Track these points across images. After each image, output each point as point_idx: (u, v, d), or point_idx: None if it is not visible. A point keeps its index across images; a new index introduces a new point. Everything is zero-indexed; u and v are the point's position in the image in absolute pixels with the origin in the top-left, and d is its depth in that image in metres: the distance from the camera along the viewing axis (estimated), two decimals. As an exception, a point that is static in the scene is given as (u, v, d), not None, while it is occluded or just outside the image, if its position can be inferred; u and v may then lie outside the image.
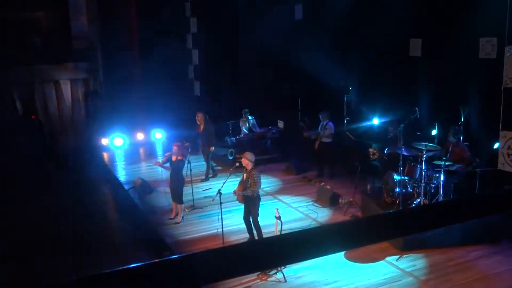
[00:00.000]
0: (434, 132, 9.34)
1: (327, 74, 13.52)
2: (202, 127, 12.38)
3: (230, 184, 9.28)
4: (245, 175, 8.16)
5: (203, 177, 12.41)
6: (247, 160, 8.06)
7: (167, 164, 9.72)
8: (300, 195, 10.98)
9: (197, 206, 10.35)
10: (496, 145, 8.92)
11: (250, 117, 14.33)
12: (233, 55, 16.20)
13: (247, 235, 8.46)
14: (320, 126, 12.21)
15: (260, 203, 8.23)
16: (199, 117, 12.39)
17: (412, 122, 9.20)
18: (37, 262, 8.24)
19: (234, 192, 8.17)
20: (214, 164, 12.81)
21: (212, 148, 12.38)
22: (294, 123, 14.66)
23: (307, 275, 7.26)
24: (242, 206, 8.54)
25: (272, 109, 15.31)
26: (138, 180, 11.84)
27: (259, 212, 8.14)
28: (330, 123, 12.09)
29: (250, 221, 8.16)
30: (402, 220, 1.48)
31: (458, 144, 8.78)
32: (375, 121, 12.26)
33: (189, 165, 10.44)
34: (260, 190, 8.27)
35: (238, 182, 8.44)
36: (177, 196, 9.63)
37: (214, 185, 11.22)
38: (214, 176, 12.53)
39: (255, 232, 8.16)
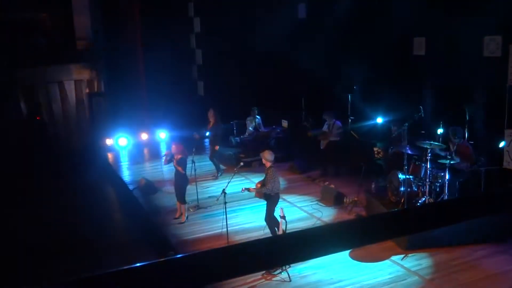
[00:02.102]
0: (440, 131, 9.30)
1: (331, 73, 13.50)
2: (211, 124, 12.39)
3: (234, 184, 9.29)
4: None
5: (215, 176, 12.36)
6: (265, 159, 8.10)
7: (169, 164, 9.70)
8: (304, 194, 10.97)
9: (202, 205, 10.36)
10: (501, 144, 8.89)
11: (256, 116, 14.33)
12: (237, 55, 16.21)
13: (251, 235, 8.47)
14: (326, 126, 12.17)
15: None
16: (210, 114, 12.39)
17: (417, 121, 9.18)
18: (41, 262, 8.27)
19: (251, 189, 8.17)
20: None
21: (217, 147, 12.36)
22: (298, 122, 14.66)
23: (311, 275, 7.26)
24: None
25: (276, 108, 15.31)
26: (142, 180, 11.86)
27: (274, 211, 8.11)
28: (338, 122, 12.07)
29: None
30: (407, 219, 1.47)
31: (462, 143, 8.74)
32: (379, 120, 12.24)
33: (193, 164, 10.45)
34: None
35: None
36: (181, 196, 9.63)
37: (219, 185, 11.21)
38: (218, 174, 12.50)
39: (276, 228, 8.00)
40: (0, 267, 8.01)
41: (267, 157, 8.02)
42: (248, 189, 8.21)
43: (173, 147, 9.67)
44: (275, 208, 8.00)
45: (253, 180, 10.63)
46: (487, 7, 8.99)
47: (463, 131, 8.91)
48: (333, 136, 12.03)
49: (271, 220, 8.03)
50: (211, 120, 12.39)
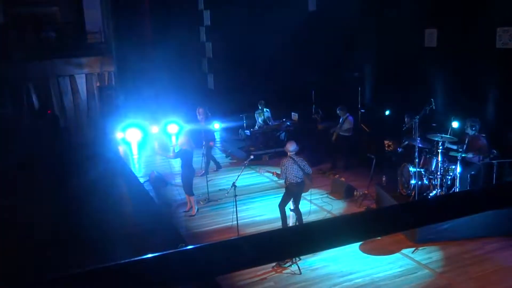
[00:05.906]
0: (456, 124, 9.19)
1: (341, 66, 13.43)
2: (203, 122, 12.17)
3: (244, 177, 9.30)
4: None
5: (214, 169, 12.34)
6: (285, 149, 8.42)
7: (177, 157, 9.72)
8: (314, 187, 10.94)
9: (212, 198, 10.39)
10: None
11: (265, 109, 14.30)
12: (247, 48, 16.17)
13: (261, 228, 8.52)
14: (340, 121, 12.08)
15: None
16: (200, 112, 12.16)
17: (428, 114, 9.09)
18: (51, 253, 8.35)
19: (269, 171, 8.78)
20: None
21: (212, 143, 12.17)
22: (308, 115, 14.61)
23: (322, 267, 7.26)
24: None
25: (286, 101, 15.26)
26: (153, 173, 11.92)
27: (286, 200, 8.34)
28: (350, 117, 11.94)
29: (297, 208, 8.27)
30: (418, 211, 1.46)
31: (476, 135, 8.63)
32: (390, 112, 12.15)
33: (204, 158, 10.48)
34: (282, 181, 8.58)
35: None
36: (188, 188, 9.65)
37: (230, 178, 11.22)
38: (219, 168, 12.51)
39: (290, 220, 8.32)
40: (10, 260, 8.11)
41: (286, 147, 8.42)
42: (267, 171, 8.78)
43: (179, 139, 9.73)
44: (292, 200, 8.27)
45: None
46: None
47: (480, 123, 8.78)
48: (344, 131, 11.95)
49: (280, 208, 8.22)
50: (201, 118, 12.12)
